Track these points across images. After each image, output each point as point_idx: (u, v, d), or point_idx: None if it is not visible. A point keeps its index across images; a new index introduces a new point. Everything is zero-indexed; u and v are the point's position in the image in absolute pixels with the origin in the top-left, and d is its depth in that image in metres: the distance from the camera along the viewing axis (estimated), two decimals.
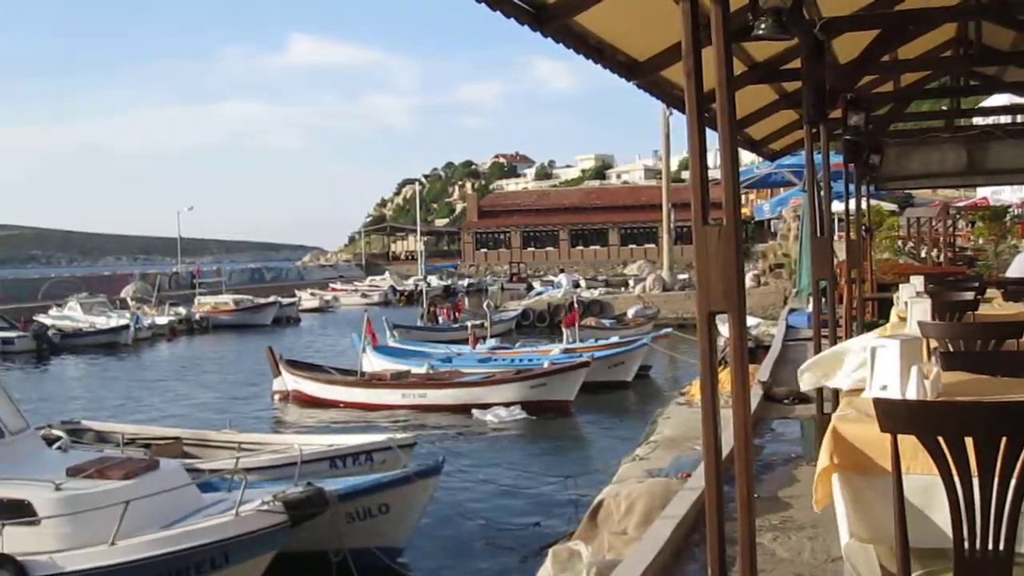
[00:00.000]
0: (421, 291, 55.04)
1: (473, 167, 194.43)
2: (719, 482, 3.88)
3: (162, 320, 51.36)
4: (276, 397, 25.37)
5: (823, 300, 9.35)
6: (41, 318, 48.87)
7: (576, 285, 57.97)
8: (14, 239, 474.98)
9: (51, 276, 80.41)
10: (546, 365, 23.92)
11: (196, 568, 9.29)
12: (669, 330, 30.56)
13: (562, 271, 71.74)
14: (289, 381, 25.04)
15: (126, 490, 9.55)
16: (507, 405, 21.91)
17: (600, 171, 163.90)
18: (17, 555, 8.97)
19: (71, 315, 50.91)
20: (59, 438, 13.08)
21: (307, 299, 69.71)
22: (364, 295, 76.62)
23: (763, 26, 5.28)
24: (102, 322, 48.69)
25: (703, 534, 6.62)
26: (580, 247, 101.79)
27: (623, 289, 55.61)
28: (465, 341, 30.79)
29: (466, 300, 52.94)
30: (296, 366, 25.62)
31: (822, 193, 10.11)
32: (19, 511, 9.29)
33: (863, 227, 14.68)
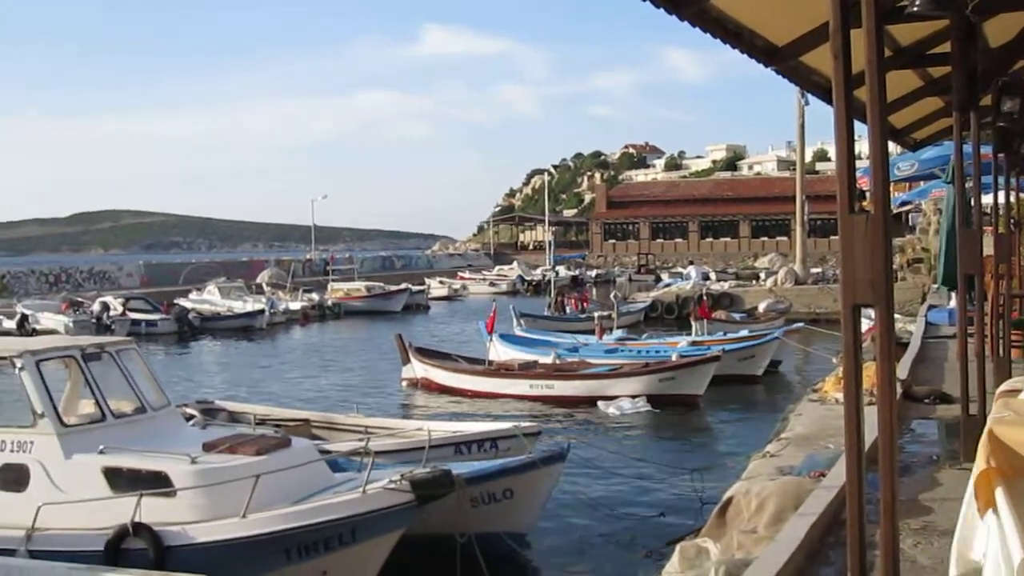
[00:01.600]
0: (549, 281, 55.06)
1: (602, 157, 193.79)
2: (861, 482, 3.69)
3: (295, 305, 52.59)
4: (404, 384, 25.66)
5: (968, 296, 8.93)
6: (182, 302, 50.59)
7: (705, 277, 57.19)
8: (157, 226, 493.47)
9: (192, 261, 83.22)
10: (674, 358, 23.58)
11: (324, 543, 9.40)
12: (801, 325, 29.89)
13: (691, 263, 70.86)
14: (418, 368, 25.29)
15: (258, 465, 9.74)
16: (633, 397, 21.69)
17: (731, 162, 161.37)
18: (153, 524, 9.24)
19: (210, 299, 52.62)
20: (193, 417, 13.50)
21: (436, 287, 70.53)
22: (492, 284, 77.17)
23: (918, 3, 5.03)
24: (239, 306, 50.16)
25: (839, 536, 6.39)
26: (710, 239, 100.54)
27: (754, 282, 54.59)
28: (592, 332, 30.66)
29: (593, 291, 52.78)
30: (425, 354, 25.85)
31: (970, 184, 9.65)
32: (157, 482, 9.57)
33: (1012, 221, 14.03)
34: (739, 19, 6.26)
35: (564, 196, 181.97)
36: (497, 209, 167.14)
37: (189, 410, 14.45)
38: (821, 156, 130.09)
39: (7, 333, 38.24)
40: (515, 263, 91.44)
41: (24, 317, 42.77)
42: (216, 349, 39.94)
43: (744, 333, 29.35)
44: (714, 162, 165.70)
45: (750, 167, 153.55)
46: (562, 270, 75.35)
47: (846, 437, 3.73)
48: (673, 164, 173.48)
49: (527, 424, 14.88)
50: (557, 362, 24.55)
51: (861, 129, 4.95)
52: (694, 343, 27.19)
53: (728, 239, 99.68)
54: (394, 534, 9.69)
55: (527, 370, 23.81)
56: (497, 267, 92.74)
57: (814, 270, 50.95)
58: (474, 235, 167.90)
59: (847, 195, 3.56)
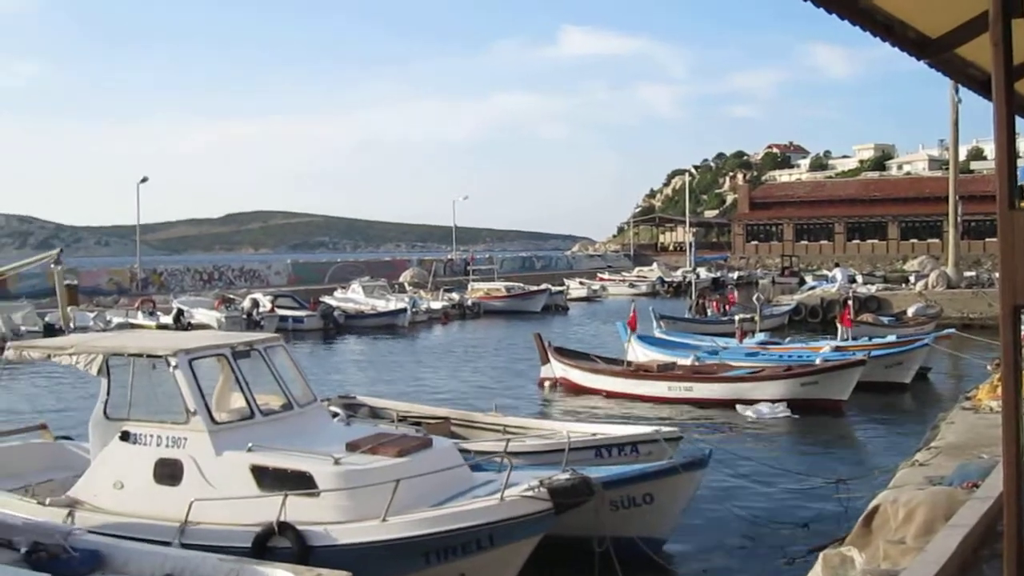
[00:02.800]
0: (690, 283, 54.48)
1: (745, 158, 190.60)
2: (1020, 494, 3.50)
3: (437, 305, 53.29)
4: (543, 383, 25.71)
5: None
6: (328, 299, 51.83)
7: (852, 280, 55.63)
8: (304, 226, 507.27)
9: (337, 261, 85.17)
10: (818, 362, 23.00)
11: (462, 548, 9.45)
12: (952, 331, 28.76)
13: (837, 265, 68.87)
14: (557, 368, 25.31)
15: (400, 467, 9.85)
16: (773, 402, 21.23)
17: (880, 161, 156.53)
18: (297, 524, 9.44)
19: (354, 297, 53.77)
20: (336, 414, 13.77)
21: (575, 288, 70.52)
22: (632, 285, 76.71)
23: None
24: (382, 305, 51.12)
25: (995, 549, 6.10)
26: (856, 241, 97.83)
27: (903, 286, 52.87)
28: (733, 335, 30.17)
29: (735, 293, 51.90)
30: (564, 354, 25.85)
31: None
32: (301, 482, 9.77)
33: None
34: (889, 10, 6.01)
35: (705, 197, 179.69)
36: (637, 210, 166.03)
37: (332, 407, 14.74)
38: (976, 155, 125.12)
39: (164, 327, 39.87)
40: (655, 264, 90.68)
41: (180, 312, 44.58)
42: (359, 346, 40.76)
43: (892, 338, 28.41)
44: (861, 162, 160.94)
45: (899, 167, 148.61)
46: (703, 272, 74.47)
47: (1003, 446, 3.54)
48: (818, 164, 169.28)
49: (669, 429, 14.68)
50: (696, 364, 24.24)
51: (1020, 125, 4.71)
52: (838, 348, 26.46)
53: (876, 241, 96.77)
54: (532, 540, 9.68)
55: (666, 372, 23.57)
56: (637, 268, 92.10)
57: (967, 273, 48.96)
58: (614, 236, 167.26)
59: (1007, 191, 3.39)
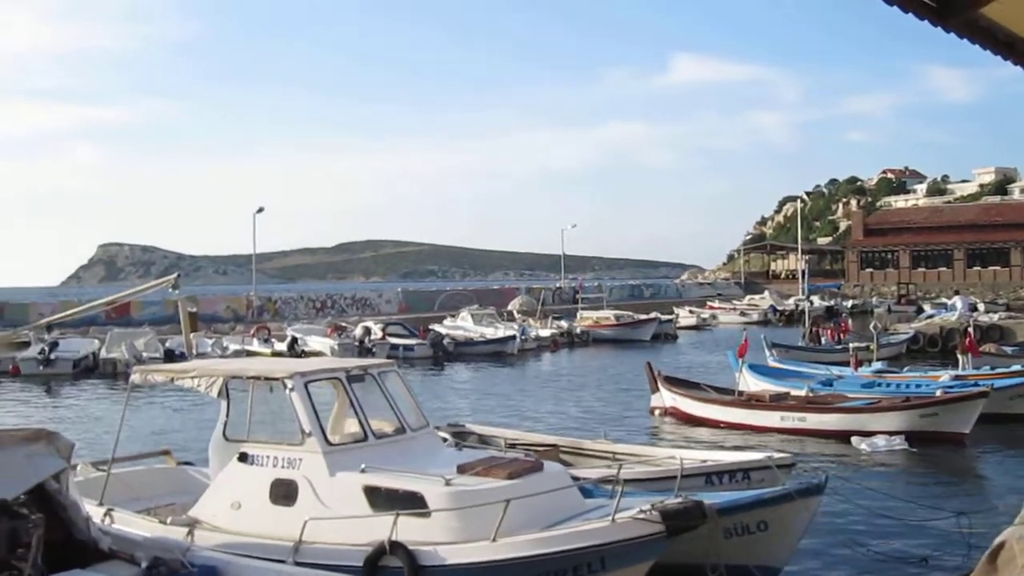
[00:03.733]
0: (803, 311, 53.50)
1: (858, 183, 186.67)
2: None
3: (545, 332, 53.36)
4: (653, 412, 25.51)
5: None
6: (437, 327, 52.35)
7: (973, 308, 53.93)
8: (414, 255, 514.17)
9: (447, 289, 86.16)
10: (938, 393, 22.31)
11: (573, 571, 9.42)
12: None
13: (956, 293, 66.92)
14: (666, 397, 25.08)
15: (510, 489, 9.89)
16: (890, 434, 20.63)
17: (1001, 185, 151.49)
18: (408, 544, 9.55)
19: (463, 325, 54.21)
20: (445, 440, 13.88)
21: (685, 316, 69.90)
22: (743, 313, 75.73)
23: None
24: (491, 333, 51.41)
25: None
26: (977, 267, 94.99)
27: None
28: (847, 363, 29.50)
29: (849, 321, 50.76)
30: (674, 383, 25.62)
31: None
32: (413, 502, 9.88)
33: None
34: (1012, 28, 5.88)
35: (817, 224, 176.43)
36: (748, 237, 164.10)
37: (441, 433, 14.87)
38: None
39: (279, 354, 40.76)
40: (766, 292, 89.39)
41: (294, 340, 45.57)
42: (468, 374, 41.02)
43: (1016, 368, 27.41)
44: (981, 186, 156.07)
45: (1023, 191, 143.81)
46: (816, 300, 73.03)
47: None
48: (936, 189, 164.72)
49: (780, 455, 14.42)
50: (810, 395, 23.75)
51: None
52: (957, 377, 25.64)
53: (998, 268, 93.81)
54: (644, 565, 9.58)
55: (779, 402, 23.14)
56: (748, 296, 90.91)
57: None
58: (724, 264, 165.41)
59: None
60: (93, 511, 11.30)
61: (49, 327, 42.98)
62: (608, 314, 60.01)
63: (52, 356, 40.80)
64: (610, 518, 9.39)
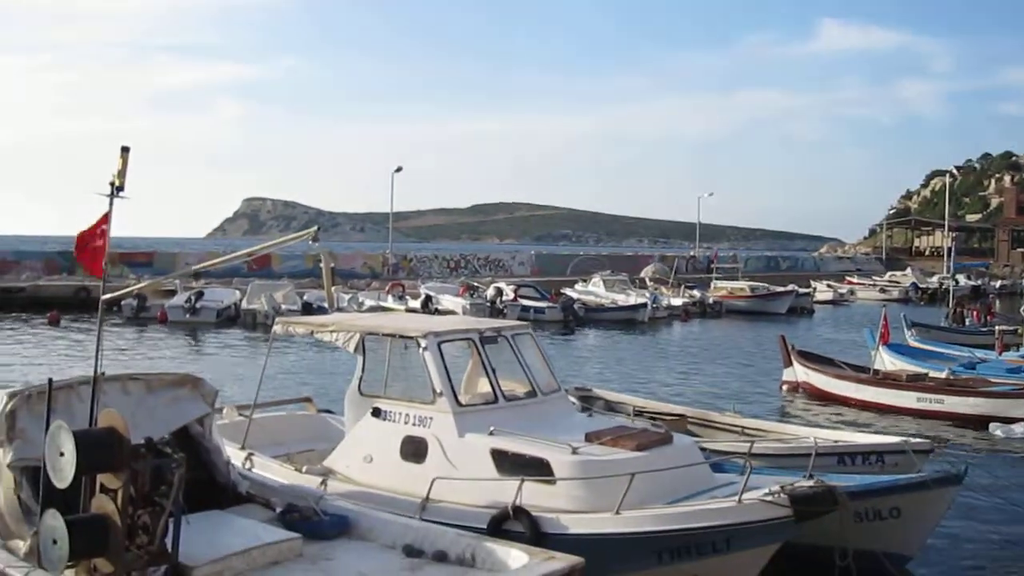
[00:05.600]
0: (947, 290, 51.71)
1: (1013, 159, 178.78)
2: None
3: (677, 301, 52.88)
4: (784, 387, 25.07)
5: None
6: (568, 291, 52.46)
7: None
8: (548, 218, 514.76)
9: (579, 254, 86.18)
10: None
11: (697, 549, 9.31)
12: None
13: None
14: (799, 372, 24.61)
15: (637, 461, 9.83)
16: None
17: None
18: (532, 509, 9.62)
19: (594, 291, 54.18)
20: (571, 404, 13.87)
21: (822, 291, 68.31)
22: (882, 290, 73.59)
23: None
24: (622, 299, 51.27)
25: None
26: None
27: None
28: (992, 347, 28.41)
29: (997, 302, 48.84)
30: (807, 358, 25.10)
31: None
32: (539, 469, 9.92)
33: None
34: None
35: (967, 200, 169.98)
36: (891, 212, 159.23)
37: (568, 397, 14.90)
38: None
39: (413, 311, 41.45)
40: (909, 269, 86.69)
41: (428, 298, 46.30)
42: (597, 339, 40.98)
43: None
44: None
45: None
46: (962, 279, 70.44)
47: None
48: None
49: (918, 440, 13.96)
50: (951, 378, 22.96)
51: None
52: None
53: None
54: (769, 548, 9.38)
55: (916, 382, 22.47)
56: (889, 273, 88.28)
57: None
58: (865, 238, 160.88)
59: None
60: (235, 454, 11.78)
61: (196, 276, 44.65)
62: (743, 285, 59.08)
63: (198, 305, 42.45)
64: (736, 498, 9.25)
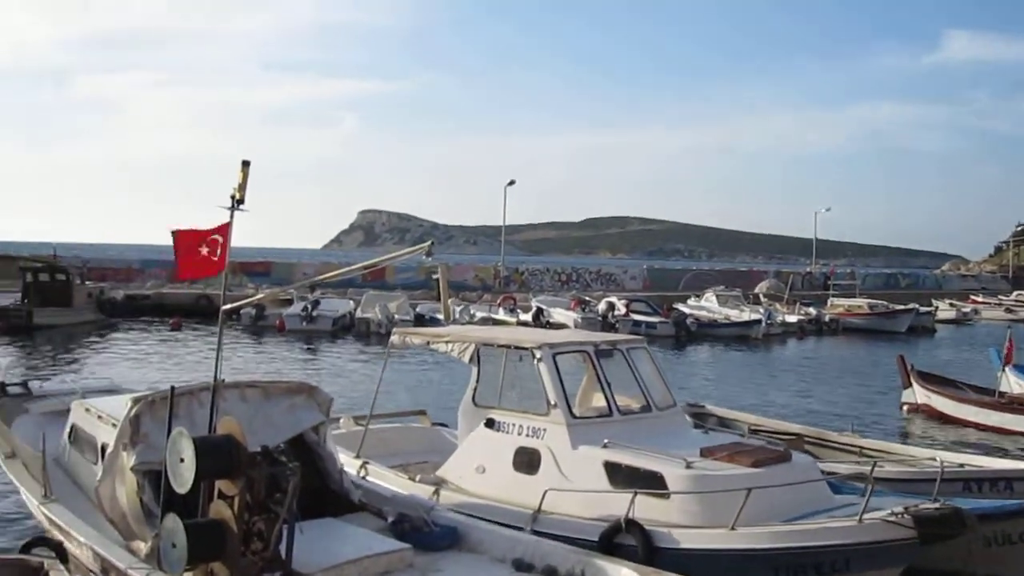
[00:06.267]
0: None
1: None
2: None
3: (792, 318, 51.89)
4: (904, 409, 24.32)
5: None
6: (681, 307, 51.94)
7: None
8: (661, 233, 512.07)
9: (692, 268, 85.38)
10: None
11: (815, 569, 9.04)
12: None
13: None
14: (919, 394, 23.83)
15: (753, 477, 9.61)
16: None
17: None
18: (644, 523, 9.48)
19: (707, 306, 53.56)
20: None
21: (944, 309, 66.17)
22: (1008, 310, 70.92)
23: None
24: (735, 315, 50.53)
25: None
26: None
27: None
28: None
29: None
30: (928, 379, 24.28)
31: None
32: (652, 482, 9.78)
33: None
34: None
35: None
36: (1018, 228, 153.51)
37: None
38: None
39: (524, 324, 41.52)
40: None
41: (539, 311, 46.36)
42: (710, 355, 40.44)
43: None
44: None
45: None
46: None
47: None
48: None
49: None
50: None
51: None
52: None
53: None
54: (892, 570, 9.05)
55: None
56: (1015, 292, 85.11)
57: None
58: (990, 256, 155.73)
59: None
60: (350, 462, 11.94)
61: (312, 287, 45.57)
62: (861, 302, 57.57)
63: (314, 314, 43.28)
64: (857, 517, 8.95)
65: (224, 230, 8.45)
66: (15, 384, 14.28)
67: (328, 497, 9.90)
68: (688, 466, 9.77)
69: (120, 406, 9.37)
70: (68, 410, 11.23)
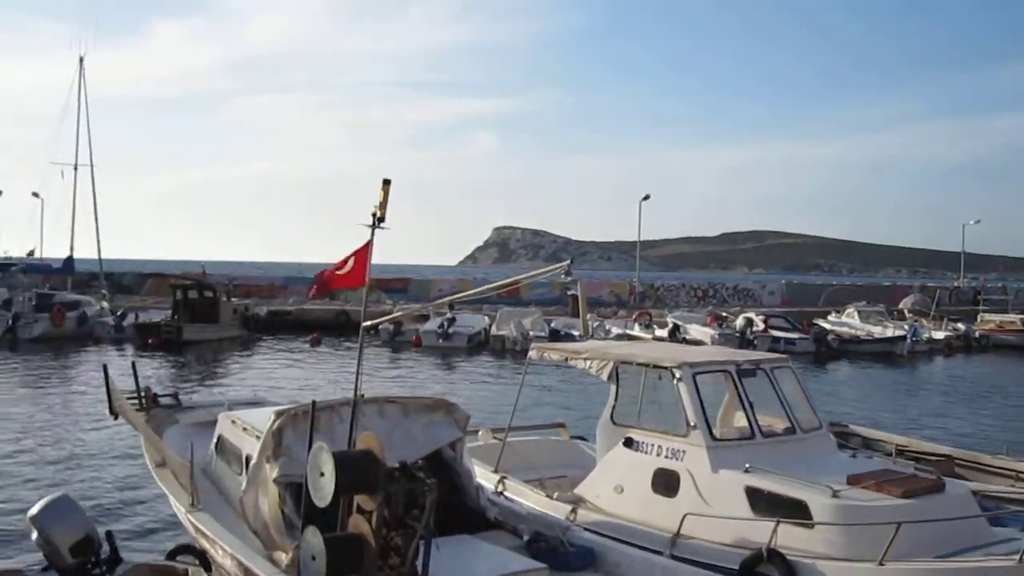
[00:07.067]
0: None
1: None
2: None
3: (939, 334, 50.14)
4: None
5: None
6: (821, 322, 50.71)
7: None
8: (799, 247, 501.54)
9: (832, 284, 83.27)
10: None
11: None
12: None
13: None
14: None
15: (904, 509, 9.10)
16: None
17: None
18: (787, 552, 9.12)
19: (848, 322, 52.13)
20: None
21: None
22: None
23: None
24: (878, 331, 49.11)
25: None
26: None
27: None
28: None
29: None
30: None
31: None
32: (795, 510, 9.36)
33: None
34: None
35: None
36: None
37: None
38: None
39: (660, 339, 41.12)
40: None
41: (676, 327, 45.85)
42: (852, 372, 39.36)
43: None
44: None
45: None
46: None
47: None
48: None
49: None
50: None
51: None
52: None
53: None
54: None
55: None
56: None
57: None
58: None
59: None
60: (488, 476, 11.92)
61: (451, 305, 46.13)
62: (1013, 318, 55.18)
63: (450, 331, 43.78)
64: (1018, 557, 8.38)
65: (365, 250, 8.60)
66: (166, 395, 14.76)
67: (464, 514, 9.89)
68: (834, 495, 9.31)
69: (264, 419, 9.56)
70: (215, 421, 11.53)
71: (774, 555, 9.04)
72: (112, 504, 15.00)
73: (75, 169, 56.39)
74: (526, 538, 9.58)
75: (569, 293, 58.23)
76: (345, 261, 8.76)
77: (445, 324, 44.08)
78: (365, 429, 8.12)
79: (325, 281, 9.06)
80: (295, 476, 8.52)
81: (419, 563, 7.12)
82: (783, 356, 12.61)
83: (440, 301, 42.30)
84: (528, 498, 11.38)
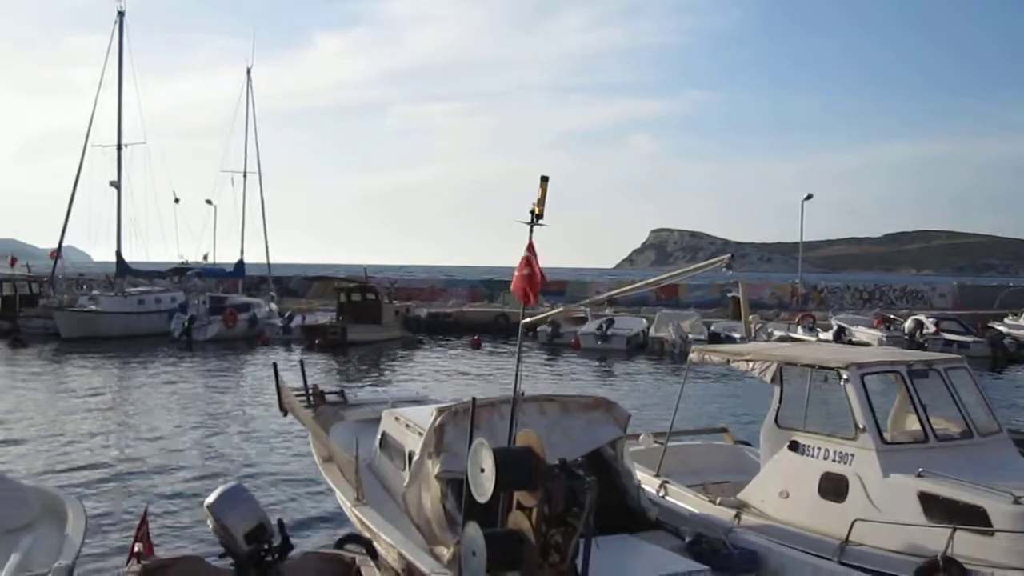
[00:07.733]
0: None
1: None
2: None
3: None
4: None
5: None
6: (997, 326, 48.47)
7: None
8: (971, 247, 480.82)
9: (1009, 285, 79.54)
10: None
11: None
12: None
13: None
14: None
15: None
16: None
17: None
18: (964, 561, 8.71)
19: None
20: None
21: None
22: None
23: None
24: None
25: None
26: None
27: None
28: None
29: None
30: None
31: None
32: (973, 517, 8.96)
33: None
34: None
35: None
36: None
37: None
38: None
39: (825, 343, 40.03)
40: None
41: (841, 329, 44.55)
42: None
43: None
44: None
45: None
46: None
47: None
48: None
49: None
50: None
51: None
52: None
53: None
54: None
55: None
56: None
57: None
58: None
59: None
60: (649, 480, 11.80)
61: (610, 302, 46.08)
62: None
63: (608, 333, 43.67)
64: None
65: (531, 249, 8.57)
66: (333, 393, 15.15)
67: (624, 513, 9.81)
68: (1016, 501, 8.85)
69: (426, 416, 9.71)
70: (379, 418, 11.77)
71: (950, 563, 8.63)
72: (282, 495, 15.51)
73: (244, 176, 58.79)
74: (688, 539, 9.44)
75: (729, 295, 57.33)
76: (527, 264, 8.67)
77: (604, 326, 44.00)
78: (525, 427, 8.13)
79: (535, 286, 8.89)
80: (456, 472, 8.60)
81: (579, 561, 7.08)
82: (957, 356, 12.06)
83: (599, 297, 42.31)
84: (690, 502, 11.21)
